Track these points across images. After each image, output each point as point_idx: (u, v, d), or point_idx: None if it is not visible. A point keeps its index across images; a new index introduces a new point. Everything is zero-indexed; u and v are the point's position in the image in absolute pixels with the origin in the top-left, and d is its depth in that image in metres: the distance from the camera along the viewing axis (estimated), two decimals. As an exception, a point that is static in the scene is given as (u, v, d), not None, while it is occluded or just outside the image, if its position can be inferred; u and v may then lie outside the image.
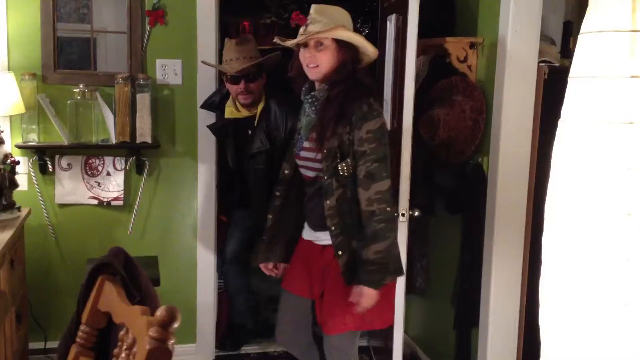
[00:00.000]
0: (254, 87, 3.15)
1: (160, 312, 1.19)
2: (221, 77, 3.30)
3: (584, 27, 1.62)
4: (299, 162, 2.52)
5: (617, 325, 1.55)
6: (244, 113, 3.21)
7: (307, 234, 2.57)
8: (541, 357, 1.76)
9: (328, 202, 2.37)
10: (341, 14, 2.40)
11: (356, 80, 2.37)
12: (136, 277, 1.54)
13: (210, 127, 3.30)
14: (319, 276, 2.50)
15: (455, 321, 3.14)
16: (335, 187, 2.36)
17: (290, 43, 2.40)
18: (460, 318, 3.11)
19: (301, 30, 2.39)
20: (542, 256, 1.73)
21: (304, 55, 2.38)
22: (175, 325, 1.20)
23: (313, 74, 2.38)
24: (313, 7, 2.40)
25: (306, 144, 2.47)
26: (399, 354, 2.91)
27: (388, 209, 2.31)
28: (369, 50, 2.39)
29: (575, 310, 1.65)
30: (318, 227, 2.48)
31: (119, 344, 1.42)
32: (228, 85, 3.20)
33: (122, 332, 1.41)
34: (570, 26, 3.14)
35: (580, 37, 1.66)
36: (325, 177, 2.37)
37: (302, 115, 2.52)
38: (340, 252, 2.38)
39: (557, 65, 2.89)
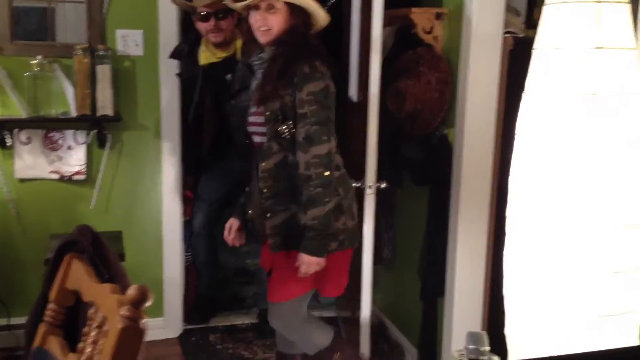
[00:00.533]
0: (225, 24, 3.06)
1: (131, 290, 1.18)
2: (188, 19, 3.20)
3: (549, -2, 1.63)
4: (250, 129, 2.48)
5: (582, 295, 1.59)
6: (221, 54, 3.13)
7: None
8: (506, 326, 1.80)
9: (263, 164, 2.36)
10: None
11: (304, 42, 2.35)
12: (104, 255, 1.51)
13: (180, 75, 3.23)
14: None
15: (421, 292, 3.18)
16: (276, 151, 2.34)
17: (240, 5, 2.34)
18: (426, 288, 3.15)
19: None
20: (506, 227, 1.75)
21: (254, 18, 2.34)
22: (147, 304, 1.19)
23: (264, 37, 2.34)
24: None
25: (253, 109, 2.44)
26: (366, 324, 2.94)
27: (326, 173, 2.28)
28: (320, 15, 2.37)
29: (537, 279, 1.69)
30: None
31: (88, 322, 1.39)
32: (198, 24, 3.11)
33: (91, 311, 1.39)
34: (535, -3, 3.15)
35: (545, 8, 1.67)
36: (266, 140, 2.35)
37: (253, 80, 2.48)
38: (268, 215, 2.38)
39: (522, 36, 2.90)
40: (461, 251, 2.95)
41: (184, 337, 3.56)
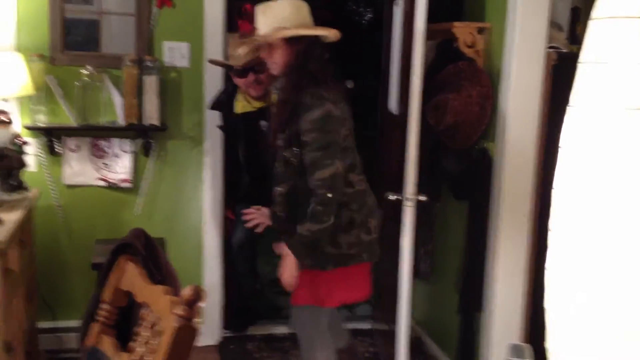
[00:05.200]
0: (264, 77, 3.10)
1: (186, 291, 1.22)
2: (228, 74, 3.29)
3: (595, 13, 1.63)
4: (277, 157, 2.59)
5: (625, 309, 1.58)
6: (257, 104, 3.19)
7: None
8: (547, 341, 1.80)
9: (279, 189, 2.53)
10: (283, 9, 2.43)
11: (303, 71, 2.42)
12: (157, 257, 1.56)
13: (222, 128, 3.33)
14: None
15: (459, 305, 3.17)
16: (288, 176, 2.48)
17: (240, 53, 2.59)
18: (465, 302, 3.15)
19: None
20: (548, 241, 1.75)
21: (264, 57, 2.50)
22: (201, 304, 1.23)
23: (273, 70, 2.49)
24: (256, 8, 2.46)
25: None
26: (403, 338, 2.94)
27: (329, 195, 2.36)
28: (322, 34, 2.47)
29: (581, 293, 1.68)
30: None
31: (141, 322, 1.44)
32: (236, 80, 3.17)
33: (144, 311, 1.44)
34: (578, 12, 3.15)
35: (590, 23, 1.67)
36: (278, 166, 2.51)
37: None
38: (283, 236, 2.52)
39: (565, 51, 2.90)
40: (500, 265, 2.95)
41: (222, 344, 3.60)
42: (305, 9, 2.48)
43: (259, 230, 2.79)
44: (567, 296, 1.71)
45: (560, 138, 1.74)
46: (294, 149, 2.40)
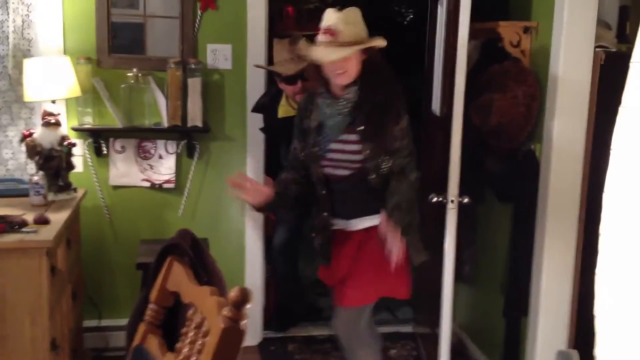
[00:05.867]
0: (310, 86, 3.11)
1: (234, 292, 1.22)
2: (272, 77, 3.30)
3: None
4: (326, 163, 2.55)
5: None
6: None
7: (339, 223, 2.63)
8: (596, 348, 1.75)
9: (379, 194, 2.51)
10: (360, 19, 2.46)
11: (383, 75, 2.50)
12: (203, 258, 1.57)
13: (264, 130, 3.35)
14: (349, 258, 2.59)
15: (504, 309, 3.12)
16: (381, 181, 2.49)
17: (324, 61, 2.42)
18: (510, 306, 3.09)
19: (323, 38, 2.40)
20: (598, 245, 1.70)
21: (332, 64, 2.41)
22: (248, 306, 1.23)
23: (342, 79, 2.44)
24: (335, 16, 2.40)
25: (335, 146, 2.51)
26: (446, 342, 2.91)
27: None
28: (381, 44, 2.47)
29: (634, 301, 1.63)
30: (351, 215, 2.59)
31: (187, 322, 1.45)
32: (283, 86, 3.19)
33: (190, 312, 1.44)
34: (627, 10, 3.07)
35: (644, 21, 1.63)
36: (373, 176, 2.48)
37: (321, 115, 2.54)
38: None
39: (614, 50, 2.83)
40: (547, 269, 2.89)
41: (263, 345, 3.62)
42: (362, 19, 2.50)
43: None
44: (618, 303, 1.67)
45: (610, 139, 1.69)
46: (387, 157, 2.46)
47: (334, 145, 2.52)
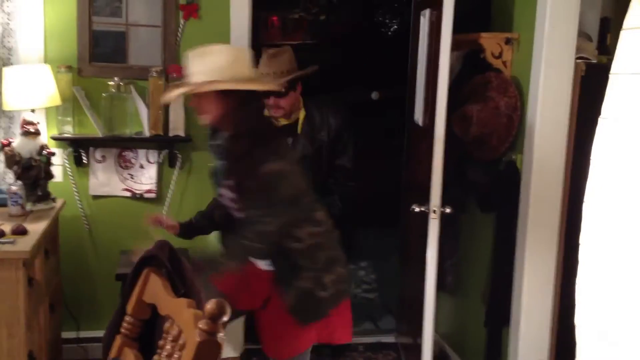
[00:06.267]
0: (284, 102, 3.05)
1: (210, 305, 1.21)
2: None
3: (627, 23, 1.59)
4: (221, 200, 2.51)
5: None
6: (282, 121, 3.20)
7: None
8: (576, 356, 1.75)
9: None
10: (220, 58, 2.24)
11: (244, 124, 2.27)
12: (181, 270, 1.55)
13: None
14: (259, 293, 2.51)
15: (486, 319, 3.12)
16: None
17: (168, 98, 2.38)
18: (491, 316, 3.10)
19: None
20: (579, 255, 1.71)
21: (191, 103, 2.34)
22: (225, 318, 1.21)
23: (203, 120, 2.32)
24: (190, 54, 2.29)
25: (221, 191, 2.48)
26: (429, 352, 2.90)
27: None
28: (259, 88, 2.31)
29: (613, 309, 1.64)
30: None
31: (164, 335, 1.43)
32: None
33: (167, 324, 1.42)
34: (608, 22, 3.10)
35: (622, 34, 1.64)
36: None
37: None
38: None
39: (595, 61, 2.85)
40: (528, 279, 2.90)
41: (244, 356, 3.58)
42: (245, 58, 2.31)
43: None
44: (598, 312, 1.67)
45: (590, 150, 1.70)
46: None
47: (221, 190, 2.47)
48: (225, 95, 2.20)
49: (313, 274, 2.35)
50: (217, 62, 2.21)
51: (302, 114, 3.17)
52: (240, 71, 2.22)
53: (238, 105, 2.22)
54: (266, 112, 3.24)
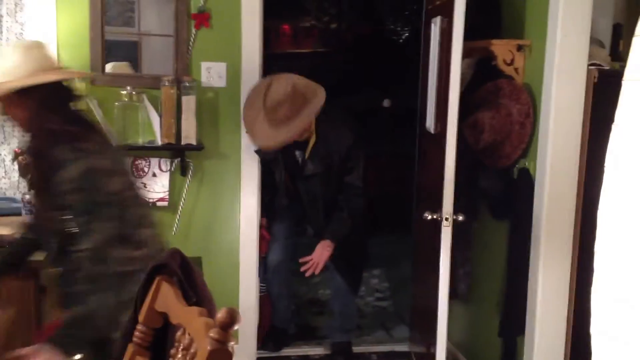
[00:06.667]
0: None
1: (221, 313, 1.20)
2: None
3: (639, 29, 1.58)
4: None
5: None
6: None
7: None
8: (592, 366, 1.73)
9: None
10: (8, 59, 2.05)
11: (48, 121, 2.04)
12: (192, 278, 1.55)
13: (258, 152, 3.36)
14: None
15: (500, 328, 3.10)
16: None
17: None
18: (506, 325, 3.07)
19: None
20: (594, 263, 1.69)
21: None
22: (236, 327, 1.21)
23: (20, 128, 2.21)
24: None
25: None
26: (442, 360, 2.88)
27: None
28: (60, 78, 2.11)
29: (630, 318, 1.62)
30: None
31: (176, 344, 1.43)
32: None
33: (179, 333, 1.42)
34: (620, 29, 3.08)
35: (634, 40, 1.63)
36: (53, 241, 2.09)
37: None
38: None
39: (607, 68, 2.83)
40: (543, 287, 2.87)
41: (257, 365, 3.58)
42: (39, 50, 2.10)
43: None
44: (615, 321, 1.65)
45: (604, 157, 1.68)
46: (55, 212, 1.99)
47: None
48: (24, 95, 2.01)
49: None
50: (7, 65, 2.03)
51: (313, 139, 3.20)
52: (35, 65, 2.03)
53: (39, 103, 2.02)
54: None
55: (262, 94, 3.07)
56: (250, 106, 3.17)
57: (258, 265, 3.55)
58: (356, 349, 3.75)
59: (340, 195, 3.30)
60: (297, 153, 3.31)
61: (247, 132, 3.24)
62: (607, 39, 3.09)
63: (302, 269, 3.31)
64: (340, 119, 3.34)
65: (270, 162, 3.41)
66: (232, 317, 1.21)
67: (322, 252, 3.29)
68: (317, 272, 3.30)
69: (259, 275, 3.59)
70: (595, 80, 2.78)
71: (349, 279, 3.58)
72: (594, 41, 2.91)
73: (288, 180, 3.44)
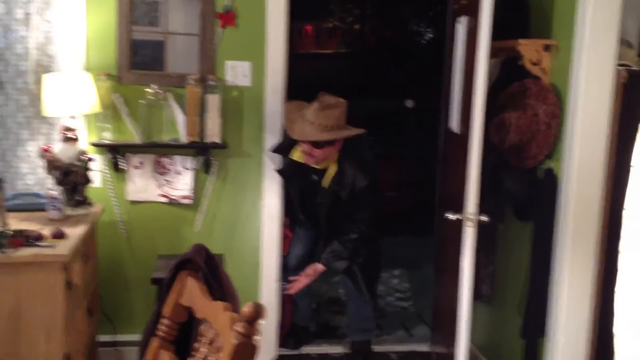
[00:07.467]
0: (318, 153, 3.14)
1: (247, 308, 1.21)
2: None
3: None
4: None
5: None
6: (313, 165, 3.25)
7: None
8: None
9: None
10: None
11: None
12: (217, 273, 1.56)
13: (280, 172, 3.40)
14: None
15: (522, 330, 3.07)
16: None
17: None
18: (528, 327, 3.04)
19: None
20: (617, 264, 1.67)
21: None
22: (261, 321, 1.21)
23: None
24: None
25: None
26: (463, 362, 2.86)
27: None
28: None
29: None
30: None
31: (200, 338, 1.44)
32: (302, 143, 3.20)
33: (203, 327, 1.43)
34: (649, 29, 3.04)
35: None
36: None
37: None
38: None
39: (636, 69, 2.80)
40: (566, 288, 2.84)
41: (277, 362, 3.59)
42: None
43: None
44: (638, 321, 1.63)
45: (630, 157, 1.67)
46: None
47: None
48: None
49: None
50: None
51: (332, 169, 3.21)
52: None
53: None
54: (299, 149, 3.25)
55: (315, 102, 3.12)
56: (296, 108, 3.21)
57: (280, 263, 3.56)
58: (376, 348, 3.75)
59: (346, 224, 3.32)
60: (313, 176, 3.33)
61: (285, 124, 3.25)
62: (635, 40, 3.04)
63: (285, 287, 3.47)
64: (361, 160, 3.31)
65: (287, 180, 3.44)
66: (258, 312, 1.21)
67: (307, 274, 3.41)
68: (292, 292, 3.47)
69: (281, 273, 3.60)
70: (624, 80, 2.75)
71: (359, 285, 3.57)
72: (623, 42, 2.87)
73: (301, 200, 3.50)
